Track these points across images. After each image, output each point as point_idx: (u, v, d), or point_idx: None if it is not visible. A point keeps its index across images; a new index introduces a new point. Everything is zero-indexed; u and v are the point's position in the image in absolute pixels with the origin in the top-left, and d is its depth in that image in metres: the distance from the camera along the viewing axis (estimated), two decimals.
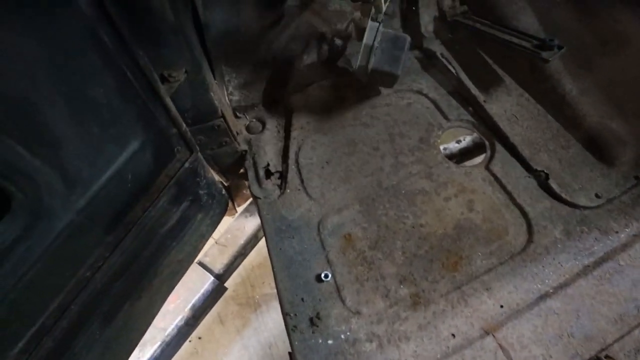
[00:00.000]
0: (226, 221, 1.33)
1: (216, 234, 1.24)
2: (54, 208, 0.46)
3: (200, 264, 1.34)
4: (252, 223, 1.46)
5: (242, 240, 1.41)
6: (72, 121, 0.43)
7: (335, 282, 0.75)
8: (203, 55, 0.71)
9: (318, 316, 0.71)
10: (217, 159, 0.86)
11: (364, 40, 0.79)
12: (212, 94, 0.71)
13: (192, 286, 1.29)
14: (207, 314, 1.37)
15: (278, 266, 0.77)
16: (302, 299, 0.73)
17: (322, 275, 0.75)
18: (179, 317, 1.25)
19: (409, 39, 0.89)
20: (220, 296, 1.39)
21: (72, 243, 0.51)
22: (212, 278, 1.31)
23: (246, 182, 0.93)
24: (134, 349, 0.76)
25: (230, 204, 0.99)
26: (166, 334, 1.22)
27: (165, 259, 0.75)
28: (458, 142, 1.18)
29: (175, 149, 0.63)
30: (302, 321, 0.71)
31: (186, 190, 0.72)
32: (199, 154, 0.72)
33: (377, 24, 0.80)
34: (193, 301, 1.28)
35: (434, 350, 0.68)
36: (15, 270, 0.45)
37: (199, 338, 1.64)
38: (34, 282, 0.48)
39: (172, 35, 0.54)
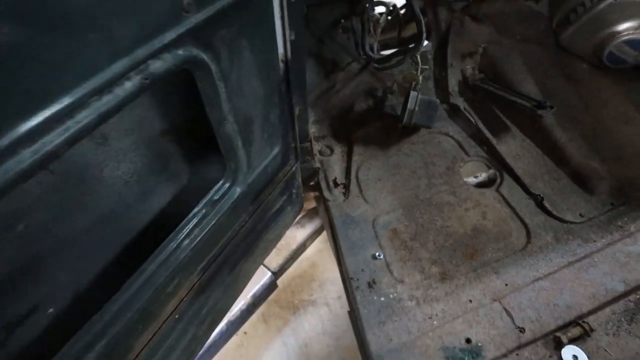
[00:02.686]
0: None
1: None
2: (239, 180, 0.79)
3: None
4: (302, 233, 1.77)
5: (294, 246, 1.72)
6: (260, 131, 0.78)
7: (385, 260, 1.05)
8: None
9: (374, 281, 1.00)
10: (301, 171, 1.20)
11: (408, 106, 1.16)
12: (308, 125, 1.07)
13: (254, 279, 1.58)
14: (261, 304, 1.64)
15: (344, 247, 1.08)
16: (362, 270, 1.03)
17: (376, 254, 1.05)
18: (242, 302, 1.54)
19: (439, 102, 1.25)
20: (272, 291, 1.67)
21: (237, 207, 0.84)
22: (269, 273, 1.61)
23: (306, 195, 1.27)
24: (240, 293, 1.06)
25: None
26: (232, 313, 1.50)
27: (265, 234, 1.07)
28: (475, 177, 1.51)
29: (290, 157, 0.98)
30: (362, 284, 1.00)
31: (287, 187, 1.06)
32: (299, 163, 1.07)
33: (417, 93, 1.16)
34: (254, 290, 1.57)
35: (456, 309, 0.96)
36: (214, 217, 0.78)
37: (245, 333, 1.89)
38: (214, 232, 0.81)
39: (302, 89, 0.91)
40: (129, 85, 0.44)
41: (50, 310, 0.67)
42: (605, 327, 0.94)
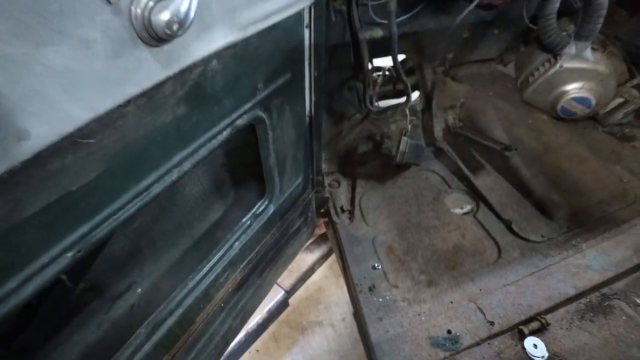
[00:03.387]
0: None
1: None
2: (274, 200, 1.07)
3: (276, 283, 1.87)
4: (311, 257, 2.01)
5: (304, 269, 1.96)
6: (290, 165, 1.07)
7: (383, 270, 1.30)
8: None
9: (374, 286, 1.25)
10: (315, 199, 1.49)
11: (400, 148, 1.47)
12: (322, 162, 1.37)
13: (270, 295, 1.80)
14: (274, 320, 1.85)
15: (350, 259, 1.33)
16: (364, 277, 1.28)
17: (376, 265, 1.31)
18: (259, 316, 1.75)
19: (425, 145, 1.57)
20: (284, 308, 1.88)
21: (270, 221, 1.12)
22: (282, 291, 1.83)
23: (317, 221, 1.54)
24: (264, 297, 1.30)
25: None
26: (249, 326, 1.71)
27: (286, 249, 1.33)
28: (462, 208, 1.78)
29: (308, 186, 1.27)
30: (365, 288, 1.25)
31: (305, 211, 1.33)
32: (313, 192, 1.35)
33: (407, 138, 1.47)
34: (269, 306, 1.78)
35: (440, 308, 1.19)
36: (255, 226, 1.05)
37: (257, 350, 2.06)
38: (254, 238, 1.08)
39: (319, 135, 1.22)
40: (225, 134, 0.74)
41: (139, 290, 0.92)
42: (560, 323, 1.17)
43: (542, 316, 1.16)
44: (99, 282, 0.82)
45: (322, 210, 1.57)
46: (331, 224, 1.48)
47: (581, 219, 1.47)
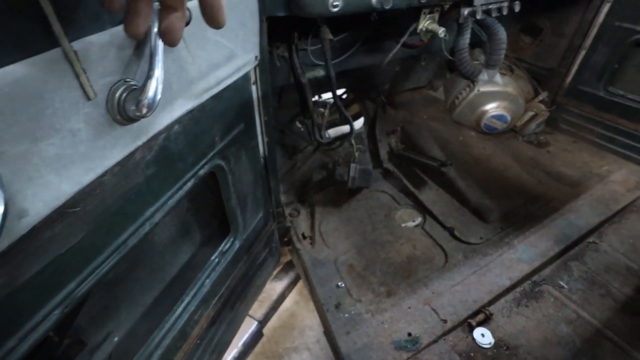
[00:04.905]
0: None
1: None
2: (239, 236, 1.16)
3: (248, 314, 1.92)
4: (280, 285, 2.08)
5: (274, 297, 2.02)
6: (250, 202, 1.17)
7: (346, 287, 1.42)
8: None
9: (339, 304, 1.36)
10: (277, 230, 1.59)
11: (350, 174, 1.62)
12: (280, 195, 1.49)
13: (243, 328, 1.84)
14: (250, 352, 1.88)
15: (315, 281, 1.44)
16: (330, 296, 1.39)
17: (339, 284, 1.42)
18: (234, 350, 1.78)
19: (372, 169, 1.74)
20: (259, 339, 1.91)
21: (237, 256, 1.20)
22: (256, 322, 1.88)
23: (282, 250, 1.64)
24: (238, 329, 1.36)
25: None
26: None
27: (254, 280, 1.41)
28: (413, 221, 1.97)
29: (269, 219, 1.37)
30: (331, 306, 1.35)
31: (268, 242, 1.43)
32: (275, 223, 1.46)
33: (355, 164, 1.64)
34: (244, 339, 1.82)
35: (399, 315, 1.32)
36: (223, 263, 1.13)
37: None
38: (223, 274, 1.16)
39: (275, 172, 1.34)
40: (189, 184, 0.84)
41: (115, 339, 0.97)
42: (501, 312, 1.35)
43: (486, 308, 1.33)
44: (79, 335, 0.86)
45: (285, 239, 1.67)
46: (295, 251, 1.58)
47: (511, 219, 1.69)
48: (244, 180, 1.09)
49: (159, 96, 0.57)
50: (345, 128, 1.99)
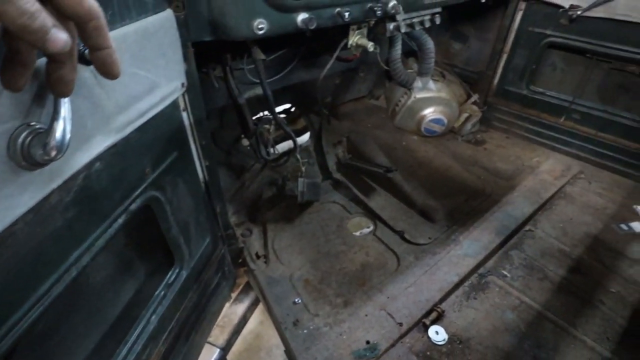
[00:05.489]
0: (224, 308, 1.91)
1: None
2: (185, 265, 1.13)
3: (208, 342, 1.85)
4: (241, 307, 2.03)
5: (235, 321, 1.97)
6: (194, 229, 1.15)
7: (303, 303, 1.42)
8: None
9: (297, 320, 1.35)
10: (229, 252, 1.56)
11: (299, 188, 1.64)
12: (228, 217, 1.47)
13: (204, 357, 1.77)
14: None
15: (271, 301, 1.42)
16: (287, 314, 1.38)
17: (296, 300, 1.42)
18: None
19: (320, 182, 1.77)
20: None
21: (185, 286, 1.16)
22: (218, 349, 1.82)
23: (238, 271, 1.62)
24: (197, 358, 1.31)
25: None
26: None
27: (209, 307, 1.37)
28: (364, 231, 2.01)
29: (219, 243, 1.34)
30: (289, 324, 1.35)
31: (220, 267, 1.40)
32: (225, 247, 1.43)
33: (303, 179, 1.65)
34: None
35: (357, 323, 1.34)
36: (170, 296, 1.09)
37: None
38: (171, 308, 1.12)
39: (220, 195, 1.32)
40: (120, 221, 0.81)
41: None
42: (453, 307, 1.41)
43: (438, 306, 1.39)
44: None
45: (240, 261, 1.64)
46: (250, 272, 1.56)
47: (456, 217, 1.78)
48: (184, 208, 1.07)
49: (68, 137, 0.55)
50: (299, 139, 2.01)
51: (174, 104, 0.93)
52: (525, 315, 1.39)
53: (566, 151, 2.26)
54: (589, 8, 1.81)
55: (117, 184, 0.78)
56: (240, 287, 2.08)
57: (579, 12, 1.85)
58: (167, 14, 0.83)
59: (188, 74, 0.98)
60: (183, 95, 0.97)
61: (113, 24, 0.68)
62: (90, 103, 0.65)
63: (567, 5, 1.89)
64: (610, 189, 2.02)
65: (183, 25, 0.93)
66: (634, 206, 1.89)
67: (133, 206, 0.84)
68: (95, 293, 0.99)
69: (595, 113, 2.08)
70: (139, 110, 0.78)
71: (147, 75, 0.78)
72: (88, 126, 0.66)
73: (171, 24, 0.84)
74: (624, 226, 1.78)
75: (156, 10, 0.80)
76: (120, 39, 0.69)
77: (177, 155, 0.98)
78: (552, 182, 2.03)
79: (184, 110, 0.99)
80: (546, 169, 2.14)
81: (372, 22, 1.44)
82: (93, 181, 0.71)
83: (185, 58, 0.97)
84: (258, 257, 1.60)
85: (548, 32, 2.05)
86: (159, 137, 0.90)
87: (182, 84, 0.93)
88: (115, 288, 1.05)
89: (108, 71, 0.48)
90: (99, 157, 0.71)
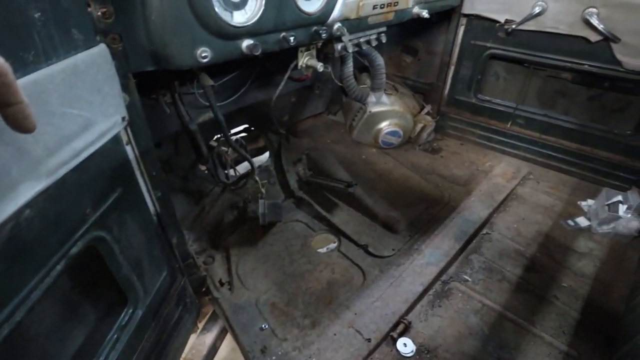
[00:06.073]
0: (190, 339, 1.83)
1: (184, 352, 1.74)
2: (139, 304, 1.07)
3: None
4: (210, 337, 1.95)
5: (204, 352, 1.89)
6: (148, 264, 1.09)
7: (271, 328, 1.39)
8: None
9: (265, 347, 1.32)
10: (191, 282, 1.50)
11: (259, 210, 1.62)
12: (187, 246, 1.42)
13: None
14: None
15: (238, 329, 1.38)
16: (255, 342, 1.34)
17: (263, 326, 1.39)
18: None
19: (280, 202, 1.75)
20: None
21: (141, 326, 1.10)
22: None
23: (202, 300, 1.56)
24: None
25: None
26: None
27: (171, 344, 1.31)
28: (329, 247, 2.01)
29: (177, 275, 1.29)
30: (257, 352, 1.31)
31: (181, 299, 1.34)
32: (186, 278, 1.38)
33: (263, 200, 1.64)
34: None
35: (326, 344, 1.33)
36: (124, 338, 1.03)
37: None
38: (126, 351, 1.05)
39: (175, 226, 1.28)
40: (59, 268, 0.76)
41: None
42: (419, 317, 1.43)
43: (404, 318, 1.40)
44: None
45: (203, 289, 1.59)
46: (214, 300, 1.51)
47: (417, 226, 1.83)
48: (135, 245, 1.02)
49: None
50: (256, 160, 1.99)
51: (116, 139, 0.90)
52: (488, 317, 1.44)
53: (515, 154, 2.40)
54: (522, 22, 1.95)
55: (52, 230, 0.73)
56: (208, 315, 2.01)
57: (513, 26, 1.98)
58: (100, 49, 0.80)
59: (130, 106, 0.95)
60: (125, 128, 0.93)
61: (37, 64, 0.65)
62: (14, 149, 0.61)
63: (502, 20, 2.02)
64: (556, 187, 2.15)
65: (122, 57, 0.91)
66: (579, 202, 2.02)
67: (74, 250, 0.80)
68: (37, 346, 0.92)
69: (537, 117, 2.22)
70: (73, 150, 0.75)
71: (80, 113, 0.75)
72: (12, 174, 0.62)
73: (105, 58, 0.82)
74: (570, 222, 1.89)
75: (87, 45, 0.77)
76: (47, 79, 0.66)
77: (123, 191, 0.94)
78: (505, 185, 2.14)
79: (127, 143, 0.95)
80: (499, 172, 2.25)
81: (320, 44, 1.47)
82: (23, 230, 0.66)
83: (126, 90, 0.94)
84: (222, 284, 1.55)
85: (489, 44, 2.18)
86: (100, 174, 0.86)
87: (123, 118, 0.90)
88: (61, 336, 0.98)
89: (20, 127, 0.46)
90: (29, 204, 0.66)
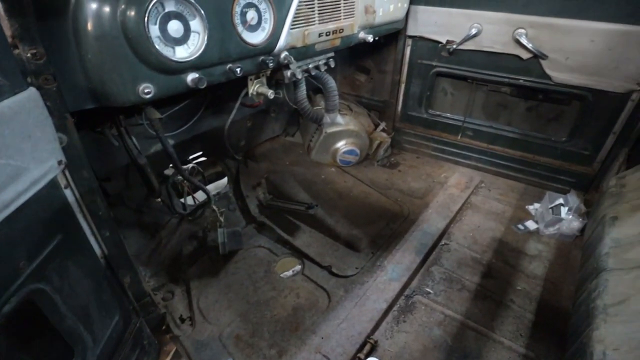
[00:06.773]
0: None
1: None
2: (88, 355, 1.00)
3: None
4: None
5: None
6: (97, 311, 1.03)
7: None
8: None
9: None
10: (149, 322, 1.43)
11: (219, 239, 1.58)
12: (143, 284, 1.36)
13: None
14: None
15: None
16: None
17: None
18: None
19: (240, 230, 1.73)
20: None
21: None
22: None
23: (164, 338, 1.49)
24: None
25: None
26: None
27: None
28: (293, 271, 2.00)
29: (132, 317, 1.22)
30: None
31: (137, 342, 1.27)
32: (142, 318, 1.31)
33: (222, 229, 1.61)
34: None
35: None
36: None
37: None
38: None
39: (128, 264, 1.22)
40: None
41: None
42: (385, 335, 1.44)
43: (371, 337, 1.41)
44: None
45: (163, 327, 1.52)
46: (176, 339, 1.44)
47: (379, 242, 1.86)
48: (80, 292, 0.96)
49: None
50: (215, 186, 1.95)
51: (52, 184, 0.86)
52: (450, 328, 1.47)
53: (468, 164, 2.52)
54: (461, 42, 2.08)
55: None
56: (171, 353, 1.91)
57: (454, 46, 2.11)
58: (30, 93, 0.77)
59: (68, 146, 0.91)
60: (63, 171, 0.89)
61: None
62: None
63: (444, 41, 2.15)
64: (506, 193, 2.28)
65: (56, 98, 0.88)
66: (527, 206, 2.15)
67: (7, 308, 0.74)
68: None
69: (484, 129, 2.36)
70: (1, 201, 0.70)
71: (7, 162, 0.71)
72: None
73: (36, 102, 0.78)
74: (520, 226, 2.00)
75: (14, 91, 0.74)
76: None
77: (63, 237, 0.89)
78: (459, 195, 2.23)
79: (66, 187, 0.91)
80: (453, 183, 2.35)
81: (269, 72, 1.49)
82: None
83: (64, 130, 0.90)
84: (182, 320, 1.49)
85: (434, 63, 2.31)
86: (35, 223, 0.81)
87: (60, 161, 0.86)
88: None
89: None
90: None
